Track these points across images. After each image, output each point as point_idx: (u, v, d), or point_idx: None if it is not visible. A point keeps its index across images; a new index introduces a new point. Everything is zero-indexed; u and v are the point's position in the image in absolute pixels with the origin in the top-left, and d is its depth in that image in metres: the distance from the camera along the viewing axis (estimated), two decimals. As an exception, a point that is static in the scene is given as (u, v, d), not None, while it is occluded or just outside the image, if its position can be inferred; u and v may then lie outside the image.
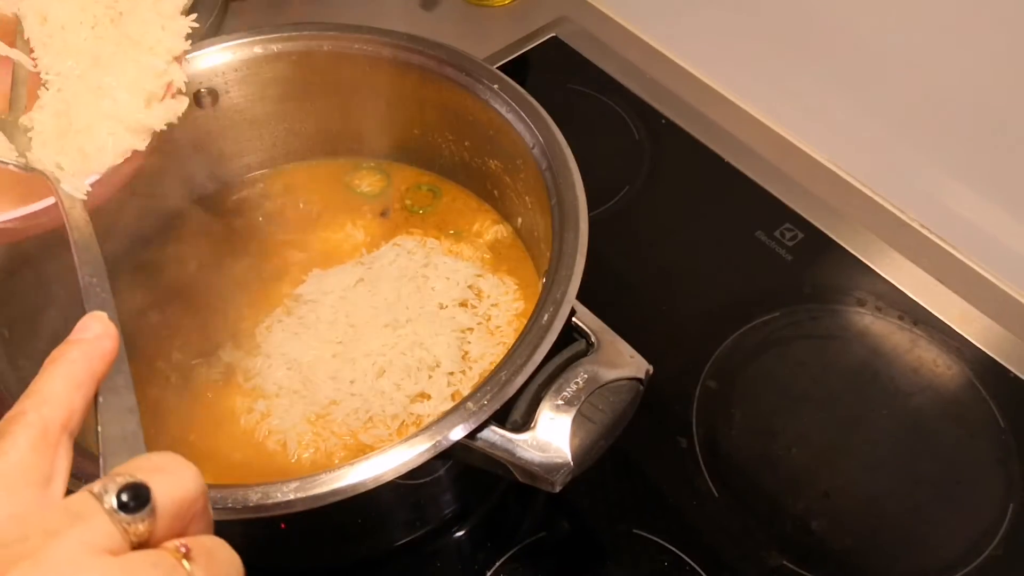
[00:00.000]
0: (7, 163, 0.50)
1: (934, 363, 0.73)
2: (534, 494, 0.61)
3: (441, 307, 0.67)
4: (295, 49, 0.71)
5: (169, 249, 0.71)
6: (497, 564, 0.63)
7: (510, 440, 0.50)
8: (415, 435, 0.48)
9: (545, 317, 0.53)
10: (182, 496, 0.30)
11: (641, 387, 0.54)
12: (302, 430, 0.62)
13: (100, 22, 0.53)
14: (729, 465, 0.67)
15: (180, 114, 0.53)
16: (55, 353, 0.34)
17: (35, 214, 0.49)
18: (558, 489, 0.50)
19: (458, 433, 0.48)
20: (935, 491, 0.66)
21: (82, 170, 0.49)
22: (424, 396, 0.63)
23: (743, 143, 0.89)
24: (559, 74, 0.96)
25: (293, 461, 0.61)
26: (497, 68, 0.68)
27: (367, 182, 0.78)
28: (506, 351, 0.52)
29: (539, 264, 0.69)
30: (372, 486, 0.47)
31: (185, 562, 0.29)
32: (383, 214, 0.76)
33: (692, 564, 0.62)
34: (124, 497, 0.28)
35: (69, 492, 0.30)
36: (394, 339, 0.65)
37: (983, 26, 0.71)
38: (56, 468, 0.31)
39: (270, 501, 0.46)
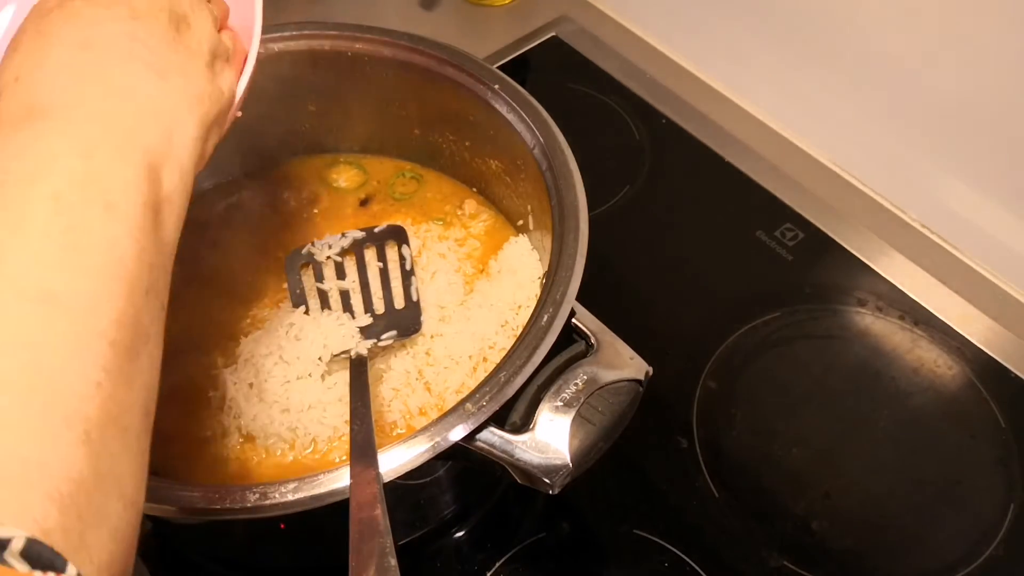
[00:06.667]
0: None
1: (935, 363, 0.73)
2: (534, 495, 0.61)
3: (440, 307, 0.67)
4: (295, 48, 0.71)
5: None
6: (497, 565, 0.62)
7: (509, 441, 0.50)
8: (414, 436, 0.48)
9: (545, 318, 0.53)
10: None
11: (640, 389, 0.54)
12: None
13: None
14: (729, 465, 0.67)
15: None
16: None
17: None
18: (556, 491, 0.50)
19: (457, 434, 0.48)
20: (936, 491, 0.66)
21: None
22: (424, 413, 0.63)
23: (743, 143, 0.89)
24: (559, 74, 0.96)
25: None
26: (497, 68, 0.68)
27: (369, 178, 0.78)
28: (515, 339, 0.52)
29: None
30: (371, 487, 0.46)
31: None
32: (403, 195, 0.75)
33: (692, 564, 0.62)
34: None
35: None
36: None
37: (983, 26, 0.70)
38: None
39: (269, 501, 0.46)
